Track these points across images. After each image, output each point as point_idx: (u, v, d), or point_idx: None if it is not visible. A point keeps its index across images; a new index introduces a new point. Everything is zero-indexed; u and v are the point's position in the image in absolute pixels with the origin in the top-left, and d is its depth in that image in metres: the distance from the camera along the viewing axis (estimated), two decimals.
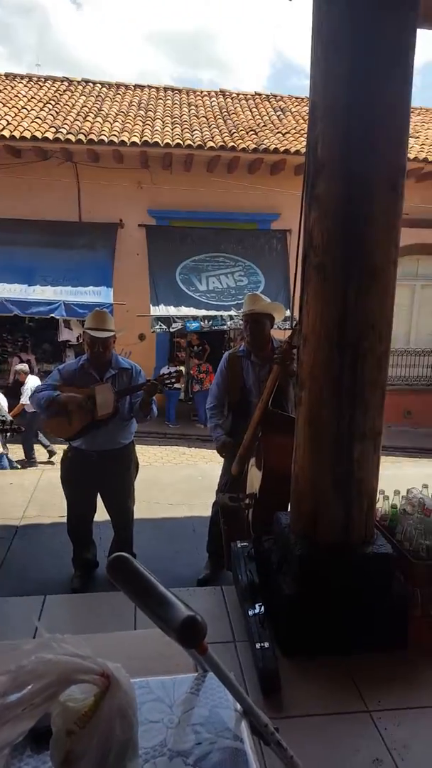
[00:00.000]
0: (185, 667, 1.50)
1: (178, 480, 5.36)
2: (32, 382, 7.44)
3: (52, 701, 0.78)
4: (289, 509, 2.55)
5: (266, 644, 2.17)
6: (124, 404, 3.11)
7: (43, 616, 2.60)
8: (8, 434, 2.76)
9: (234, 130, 9.42)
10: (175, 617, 0.86)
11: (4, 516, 4.18)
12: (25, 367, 7.90)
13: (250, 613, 2.33)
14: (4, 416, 5.96)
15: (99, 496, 3.34)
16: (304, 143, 8.47)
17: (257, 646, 2.16)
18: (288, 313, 4.59)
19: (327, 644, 2.27)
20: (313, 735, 1.92)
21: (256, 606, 2.34)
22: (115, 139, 8.52)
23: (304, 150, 7.97)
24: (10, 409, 7.20)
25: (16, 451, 7.52)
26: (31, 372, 9.40)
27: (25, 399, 7.30)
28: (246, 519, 2.96)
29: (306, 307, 2.28)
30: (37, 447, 7.80)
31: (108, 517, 3.39)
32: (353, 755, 1.86)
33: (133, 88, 11.44)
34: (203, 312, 8.80)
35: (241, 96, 11.60)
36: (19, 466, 7.20)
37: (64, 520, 3.42)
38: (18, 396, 7.59)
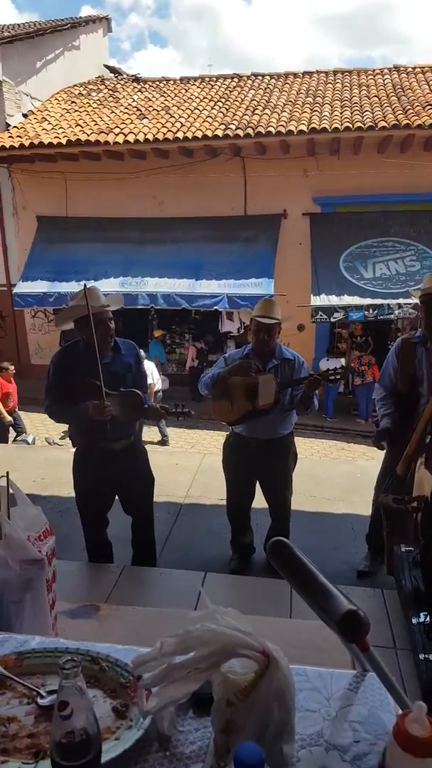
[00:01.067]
0: (341, 663, 1.45)
1: (335, 475, 5.23)
2: (146, 364, 7.93)
3: (214, 670, 0.81)
4: None
5: (431, 656, 2.01)
6: (285, 395, 3.08)
7: (203, 591, 2.75)
8: (179, 418, 2.94)
9: (409, 107, 8.79)
10: (337, 609, 0.83)
11: (170, 494, 4.49)
12: (141, 353, 8.38)
13: (414, 621, 2.18)
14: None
15: (258, 484, 3.41)
16: None
17: (421, 657, 2.02)
18: None
19: None
20: None
21: (421, 615, 2.18)
22: (283, 129, 8.53)
23: None
24: None
25: None
26: (204, 359, 9.94)
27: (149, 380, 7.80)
28: (414, 522, 2.76)
29: None
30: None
31: (266, 505, 3.44)
32: None
33: (301, 75, 11.33)
34: (368, 301, 8.42)
35: (417, 69, 10.77)
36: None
37: (223, 502, 3.56)
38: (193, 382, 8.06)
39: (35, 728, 0.91)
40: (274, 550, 0.99)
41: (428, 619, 2.18)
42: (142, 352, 3.07)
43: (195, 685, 0.81)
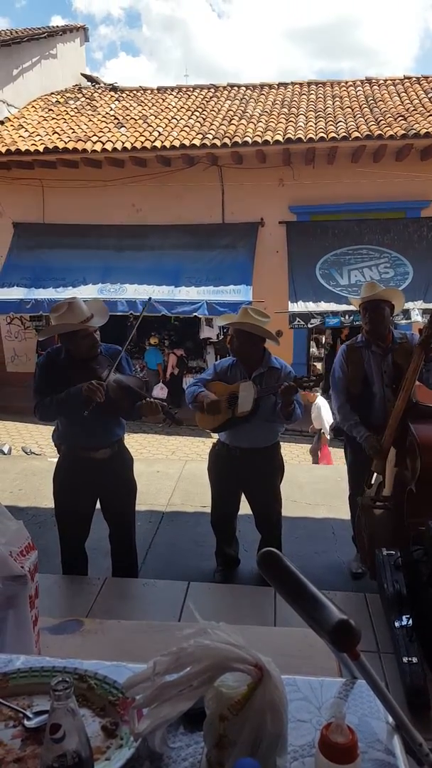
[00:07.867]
0: (328, 670, 1.46)
1: (315, 479, 5.26)
2: None
3: (208, 685, 0.80)
4: None
5: (414, 659, 2.03)
6: (267, 404, 3.03)
7: (186, 601, 2.73)
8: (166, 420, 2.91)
9: (381, 118, 8.98)
10: (328, 619, 0.83)
11: (152, 502, 4.45)
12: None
13: (397, 624, 2.20)
14: None
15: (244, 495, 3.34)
16: None
17: (404, 660, 2.04)
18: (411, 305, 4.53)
19: None
20: None
21: (404, 618, 2.21)
22: (259, 140, 8.62)
23: None
24: None
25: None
26: (184, 367, 9.92)
27: None
28: (393, 521, 2.81)
29: None
30: None
31: (249, 511, 3.41)
32: None
33: (276, 86, 11.47)
34: (344, 307, 8.53)
35: (388, 82, 11.01)
36: None
37: (205, 509, 3.54)
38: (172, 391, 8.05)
39: (22, 752, 0.88)
40: (264, 562, 0.99)
41: (410, 622, 2.21)
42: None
43: (188, 704, 0.80)
